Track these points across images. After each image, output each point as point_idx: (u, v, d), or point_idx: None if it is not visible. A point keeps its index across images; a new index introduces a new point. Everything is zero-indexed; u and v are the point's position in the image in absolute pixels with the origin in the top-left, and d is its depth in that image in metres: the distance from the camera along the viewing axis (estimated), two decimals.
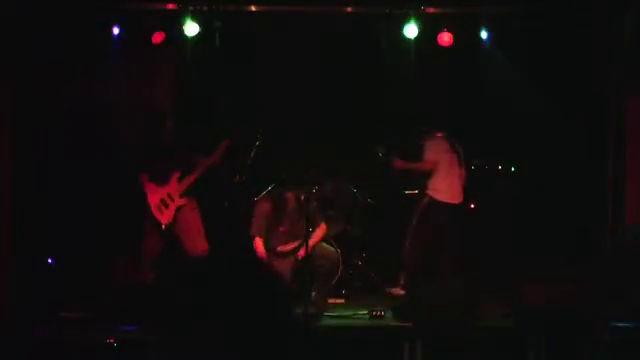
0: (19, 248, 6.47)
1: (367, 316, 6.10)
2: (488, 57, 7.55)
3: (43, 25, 6.69)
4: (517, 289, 5.88)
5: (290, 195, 6.68)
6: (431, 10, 7.26)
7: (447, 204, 7.15)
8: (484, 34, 7.42)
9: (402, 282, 7.12)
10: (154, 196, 6.60)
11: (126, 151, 7.26)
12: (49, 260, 5.92)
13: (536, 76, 7.41)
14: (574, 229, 7.22)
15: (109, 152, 7.32)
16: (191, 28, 7.13)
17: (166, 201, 6.59)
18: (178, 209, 6.60)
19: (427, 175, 7.20)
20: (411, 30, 7.22)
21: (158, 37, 7.24)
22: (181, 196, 6.62)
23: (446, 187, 7.16)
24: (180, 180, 6.62)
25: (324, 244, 6.95)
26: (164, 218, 6.58)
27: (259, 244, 6.54)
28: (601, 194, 7.22)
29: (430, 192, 7.20)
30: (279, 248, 6.63)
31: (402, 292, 6.97)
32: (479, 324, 5.68)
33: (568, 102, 7.30)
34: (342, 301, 6.98)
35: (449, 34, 7.32)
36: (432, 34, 7.32)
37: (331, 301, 6.80)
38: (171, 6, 7.19)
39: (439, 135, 7.27)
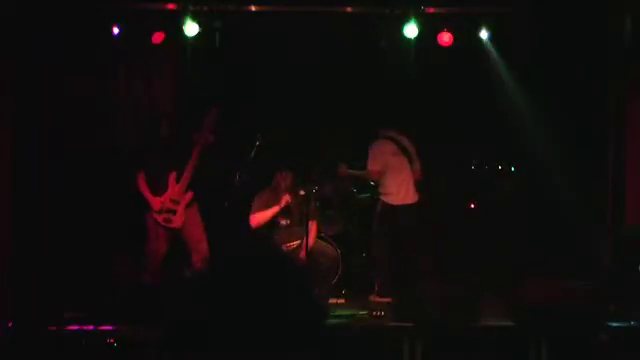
0: (19, 248, 6.47)
1: (367, 316, 6.10)
2: (488, 57, 7.55)
3: (43, 25, 6.69)
4: (517, 289, 5.88)
5: (289, 190, 6.71)
6: (431, 10, 7.27)
7: (399, 206, 7.10)
8: (484, 34, 7.42)
9: (376, 288, 7.08)
10: (158, 206, 6.48)
11: (126, 151, 7.26)
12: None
13: (536, 76, 7.40)
14: (574, 229, 7.21)
15: (109, 152, 7.32)
16: (191, 28, 7.12)
17: (172, 208, 6.48)
18: (187, 205, 6.50)
19: (378, 180, 7.20)
20: (411, 30, 7.22)
21: (158, 37, 7.23)
22: (186, 192, 6.52)
23: (396, 189, 7.12)
24: (178, 180, 6.51)
25: (323, 243, 6.97)
26: (175, 223, 6.48)
27: (254, 218, 6.64)
28: (601, 194, 7.22)
29: (382, 197, 7.20)
30: (282, 246, 6.68)
31: (379, 299, 6.90)
32: (479, 324, 5.68)
33: (568, 102, 7.29)
34: (342, 301, 6.98)
35: (449, 34, 7.31)
36: (432, 34, 7.33)
37: (331, 301, 6.80)
38: (171, 6, 7.20)
39: (385, 137, 7.20)
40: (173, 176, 6.52)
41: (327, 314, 5.79)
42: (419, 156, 7.30)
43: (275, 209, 6.67)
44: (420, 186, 7.28)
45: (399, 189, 7.13)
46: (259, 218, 6.69)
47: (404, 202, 7.12)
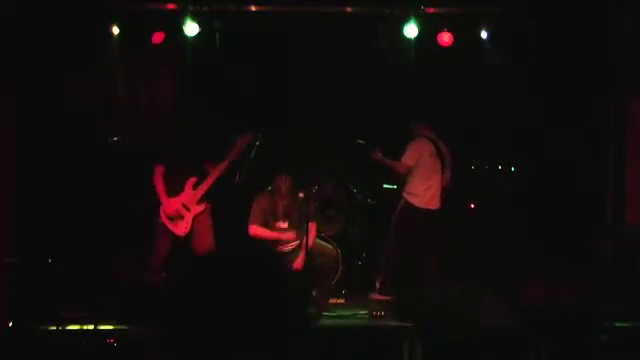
0: (19, 248, 6.47)
1: (367, 316, 6.11)
2: (488, 57, 7.55)
3: (43, 25, 6.69)
4: (517, 289, 5.88)
5: (288, 193, 6.69)
6: (431, 10, 7.27)
7: (421, 209, 7.04)
8: (484, 34, 7.42)
9: (377, 286, 7.07)
10: (168, 208, 6.38)
11: (125, 151, 7.25)
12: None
13: (536, 76, 7.40)
14: (574, 229, 7.21)
15: (108, 152, 7.31)
16: (191, 28, 7.13)
17: (181, 212, 6.38)
18: (195, 217, 6.42)
19: (405, 177, 7.12)
20: (411, 30, 7.23)
21: (158, 37, 7.24)
22: (199, 203, 6.42)
23: (422, 192, 7.05)
24: (196, 187, 6.42)
25: (323, 242, 6.97)
26: (180, 229, 6.38)
27: (255, 229, 6.60)
28: (601, 194, 7.22)
29: (405, 195, 7.11)
30: (279, 248, 6.65)
31: (379, 297, 6.87)
32: (479, 324, 5.68)
33: (568, 102, 7.30)
34: (342, 301, 6.98)
35: (449, 34, 7.32)
36: (432, 34, 7.33)
37: (331, 301, 6.80)
38: (171, 6, 7.20)
39: (426, 136, 7.17)
40: (192, 181, 6.44)
41: (313, 314, 5.81)
42: (452, 164, 7.26)
43: (276, 235, 6.64)
44: (446, 194, 7.22)
45: (425, 192, 7.04)
46: (258, 232, 6.64)
47: (427, 206, 7.04)
